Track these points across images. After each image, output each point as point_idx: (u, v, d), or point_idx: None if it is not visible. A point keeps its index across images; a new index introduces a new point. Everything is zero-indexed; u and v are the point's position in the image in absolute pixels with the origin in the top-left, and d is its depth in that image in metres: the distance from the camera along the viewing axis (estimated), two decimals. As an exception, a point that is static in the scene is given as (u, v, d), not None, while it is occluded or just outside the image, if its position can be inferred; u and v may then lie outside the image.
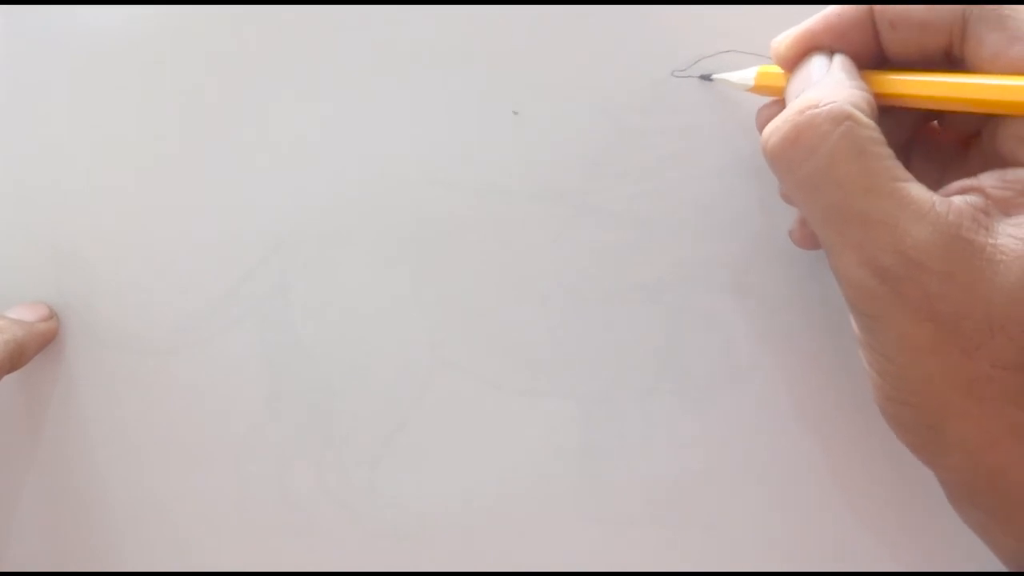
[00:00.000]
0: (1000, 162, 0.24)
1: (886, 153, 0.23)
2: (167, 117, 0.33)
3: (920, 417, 0.24)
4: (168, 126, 0.33)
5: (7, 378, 0.32)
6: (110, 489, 0.35)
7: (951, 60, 0.25)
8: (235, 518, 0.34)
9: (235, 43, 0.33)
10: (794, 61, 0.26)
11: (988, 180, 0.23)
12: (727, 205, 0.31)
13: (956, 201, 0.22)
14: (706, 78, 0.30)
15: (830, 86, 0.24)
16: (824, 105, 0.23)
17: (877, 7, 0.25)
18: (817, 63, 0.25)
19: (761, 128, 0.28)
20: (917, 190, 0.23)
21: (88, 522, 0.35)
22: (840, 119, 0.23)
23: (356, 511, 0.33)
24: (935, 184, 0.24)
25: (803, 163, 0.23)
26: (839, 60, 0.25)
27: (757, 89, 0.28)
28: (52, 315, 0.34)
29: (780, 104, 0.27)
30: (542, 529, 0.33)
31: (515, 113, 0.30)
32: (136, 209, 0.34)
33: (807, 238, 0.29)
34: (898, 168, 0.23)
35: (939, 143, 0.27)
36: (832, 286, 0.31)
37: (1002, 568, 0.25)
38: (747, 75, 0.28)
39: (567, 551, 0.33)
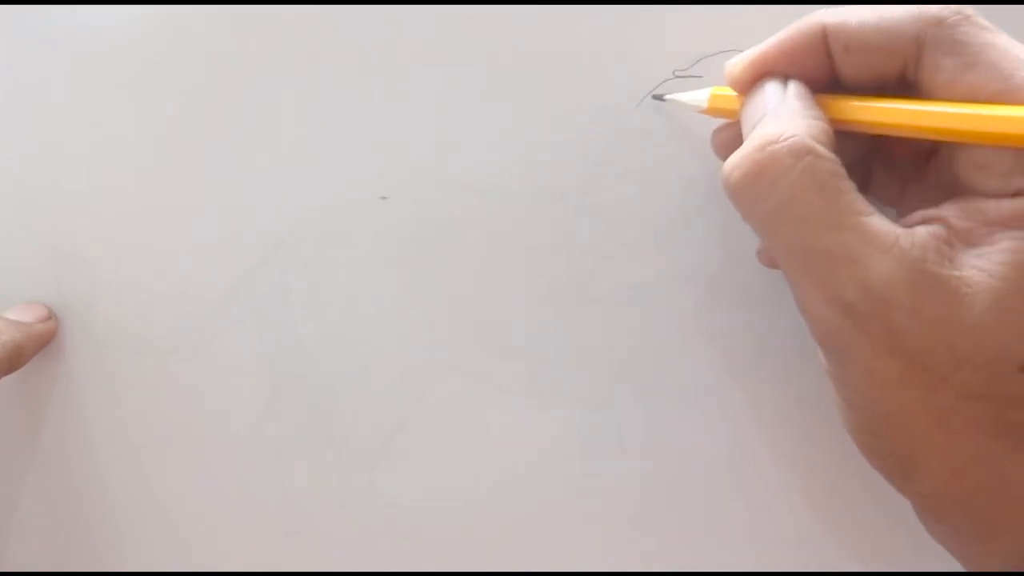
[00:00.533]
0: (958, 186, 0.24)
1: (847, 187, 0.23)
2: (167, 117, 0.33)
3: (889, 447, 0.24)
4: (168, 126, 0.33)
5: (6, 379, 0.32)
6: (110, 489, 0.35)
7: (905, 84, 0.24)
8: (235, 518, 0.34)
9: (235, 43, 0.33)
10: (748, 85, 0.26)
11: (950, 211, 0.23)
12: (727, 205, 0.31)
13: (919, 233, 0.22)
14: (659, 98, 0.30)
15: (787, 117, 0.24)
16: (785, 140, 0.23)
17: (830, 31, 0.24)
18: (771, 90, 0.25)
19: (716, 150, 0.29)
20: (880, 224, 0.22)
21: (88, 522, 0.35)
22: (801, 154, 0.22)
23: (356, 511, 0.33)
24: (897, 196, 0.24)
25: (765, 199, 0.23)
26: (793, 88, 0.25)
27: (711, 111, 0.28)
28: (50, 316, 0.34)
29: (734, 127, 0.27)
30: (542, 529, 0.33)
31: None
32: (136, 209, 0.34)
33: (773, 260, 0.29)
34: (860, 202, 0.23)
35: (901, 154, 0.27)
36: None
37: None
38: (700, 96, 0.28)
39: (567, 551, 0.33)
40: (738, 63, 0.26)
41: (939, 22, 0.23)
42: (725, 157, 0.25)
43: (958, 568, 0.31)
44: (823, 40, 0.25)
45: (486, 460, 0.33)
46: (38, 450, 0.35)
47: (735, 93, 0.27)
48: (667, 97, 0.30)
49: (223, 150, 0.33)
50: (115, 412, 0.34)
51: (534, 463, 0.33)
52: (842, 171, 0.23)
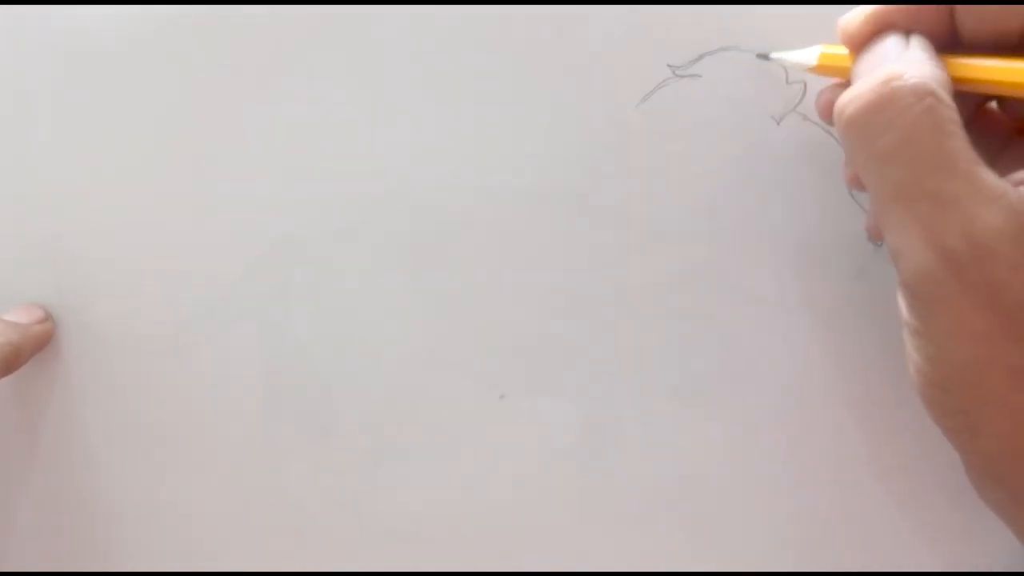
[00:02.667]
0: None
1: (963, 135, 0.22)
2: (166, 116, 0.33)
3: (962, 403, 0.24)
4: (167, 125, 0.33)
5: (3, 381, 0.32)
6: (109, 489, 0.35)
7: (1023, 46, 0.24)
8: (234, 518, 0.34)
9: (236, 42, 0.33)
10: (864, 40, 0.26)
11: None
12: (727, 205, 0.31)
13: None
14: (763, 57, 0.30)
15: (912, 61, 0.24)
16: (909, 78, 0.23)
17: None
18: (893, 42, 0.25)
19: (821, 111, 0.28)
20: (990, 176, 0.22)
21: (88, 522, 0.35)
22: (924, 95, 0.22)
23: (356, 511, 0.33)
24: (991, 165, 0.24)
25: (881, 134, 0.23)
26: (917, 40, 0.25)
27: (819, 69, 0.27)
28: (47, 317, 0.34)
29: (844, 86, 0.26)
30: (542, 529, 0.33)
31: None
32: (135, 209, 0.33)
33: (879, 232, 0.28)
34: (973, 151, 0.22)
35: (995, 127, 0.27)
36: (832, 287, 0.31)
37: (1015, 554, 0.25)
38: (809, 55, 0.28)
39: (567, 551, 0.33)
40: (855, 17, 0.26)
41: None
42: (830, 119, 0.25)
43: (958, 568, 0.31)
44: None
45: (486, 460, 0.33)
46: (37, 450, 0.35)
47: (846, 51, 0.26)
48: (773, 55, 0.29)
49: (222, 150, 0.33)
50: (114, 412, 0.34)
51: (534, 463, 0.33)
52: (959, 119, 0.23)
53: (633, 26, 0.31)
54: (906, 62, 0.24)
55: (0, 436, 0.35)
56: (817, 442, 0.31)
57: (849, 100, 0.24)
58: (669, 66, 0.31)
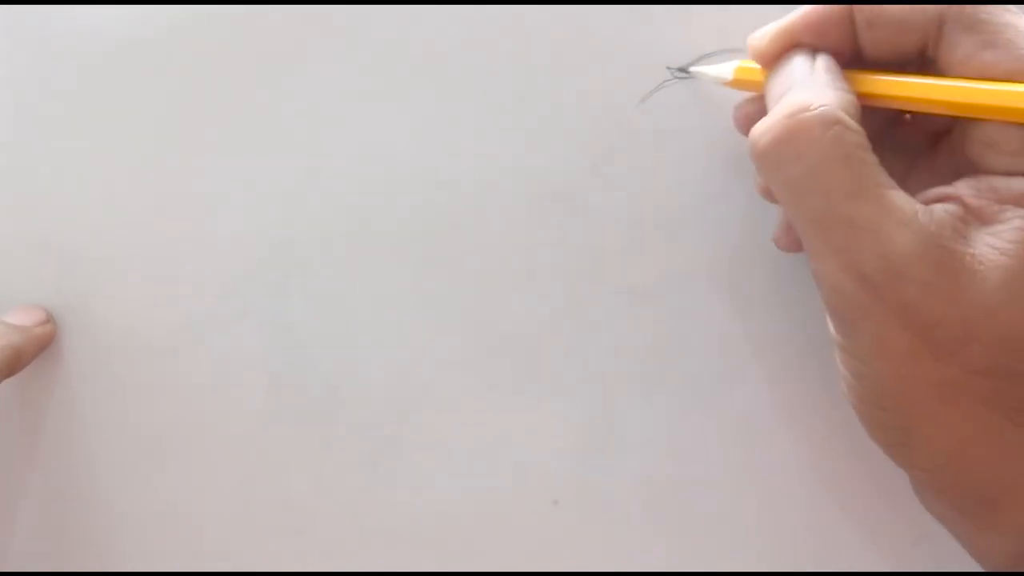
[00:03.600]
0: (968, 164, 0.24)
1: (872, 159, 0.23)
2: (166, 117, 0.33)
3: (893, 420, 0.24)
4: (167, 126, 0.33)
5: (4, 383, 0.32)
6: (110, 489, 0.35)
7: (924, 62, 0.25)
8: (234, 518, 0.34)
9: (236, 44, 0.33)
10: (773, 58, 0.26)
11: (964, 189, 0.23)
12: (727, 205, 0.31)
13: (937, 210, 0.23)
14: (683, 71, 0.30)
15: (817, 88, 0.24)
16: (815, 108, 0.23)
17: (856, 5, 0.25)
18: (799, 62, 0.25)
19: (738, 124, 0.29)
20: (901, 198, 0.23)
21: (88, 522, 0.35)
22: (830, 123, 0.23)
23: (356, 511, 0.33)
24: (903, 177, 0.24)
25: (791, 166, 0.24)
26: (823, 61, 0.25)
27: (735, 83, 0.28)
28: (49, 319, 0.34)
29: (758, 100, 0.27)
30: (542, 529, 0.33)
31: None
32: (136, 209, 0.34)
33: (793, 243, 0.29)
34: (883, 175, 0.23)
35: (909, 136, 0.27)
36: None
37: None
38: (725, 69, 0.28)
39: (567, 551, 0.33)
40: (763, 36, 0.26)
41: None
42: (747, 131, 0.25)
43: (958, 568, 0.31)
44: (848, 15, 0.25)
45: (486, 460, 0.33)
46: (37, 450, 0.35)
47: (760, 67, 0.27)
48: (692, 69, 0.30)
49: (223, 150, 0.33)
50: (114, 412, 0.34)
51: (534, 463, 0.33)
52: (867, 143, 0.23)
53: (633, 26, 0.31)
54: (812, 89, 0.24)
55: (2, 434, 0.35)
56: (817, 442, 0.31)
57: (760, 133, 0.24)
58: (668, 68, 0.31)
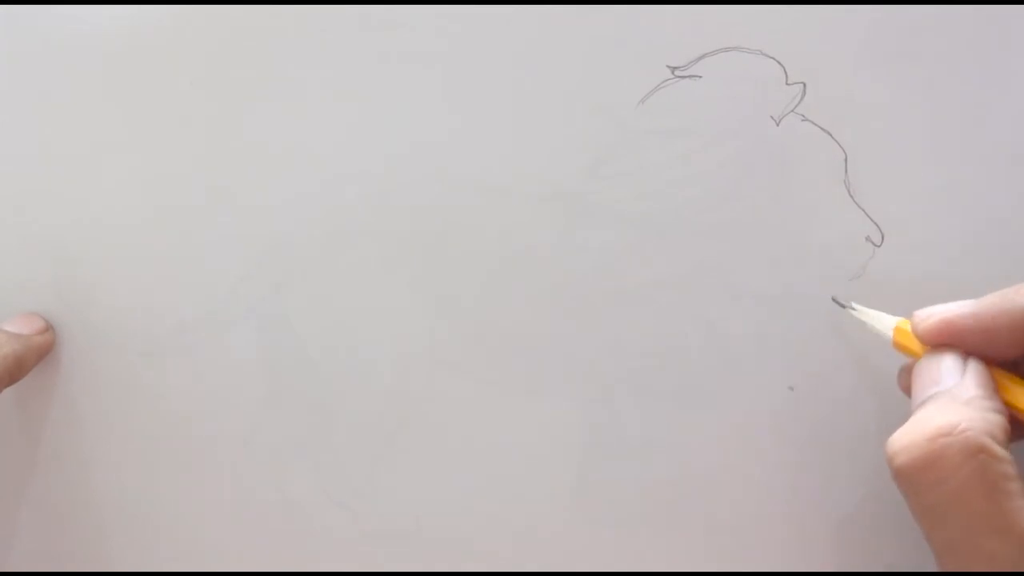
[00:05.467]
0: None
1: (1018, 490, 0.22)
2: (166, 118, 0.33)
3: None
4: (166, 127, 0.33)
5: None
6: (110, 490, 0.35)
7: None
8: (235, 518, 0.34)
9: (236, 45, 0.33)
10: (930, 343, 0.25)
11: None
12: (727, 205, 0.31)
13: None
14: (841, 304, 0.30)
15: (963, 405, 0.23)
16: (959, 433, 0.22)
17: None
18: (949, 366, 0.25)
19: (903, 389, 0.28)
20: None
21: (88, 522, 0.35)
22: (974, 452, 0.22)
23: (356, 511, 0.33)
24: None
25: (930, 492, 0.23)
26: (974, 372, 0.24)
27: (895, 344, 0.27)
28: (48, 327, 0.34)
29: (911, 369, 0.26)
30: (542, 529, 0.33)
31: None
32: (136, 210, 0.34)
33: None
34: None
35: None
36: (831, 287, 0.31)
37: None
38: (887, 325, 0.28)
39: (567, 551, 0.33)
40: (927, 319, 0.25)
41: None
42: (909, 394, 0.25)
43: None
44: None
45: (486, 460, 0.33)
46: (37, 450, 0.35)
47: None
48: (856, 309, 0.29)
49: (223, 150, 0.33)
50: (114, 412, 0.34)
51: (534, 463, 0.33)
52: (1014, 472, 0.22)
53: (633, 26, 0.31)
54: (956, 406, 0.23)
55: (3, 435, 0.35)
56: (816, 442, 0.31)
57: (899, 450, 0.23)
58: (669, 67, 0.31)
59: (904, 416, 0.30)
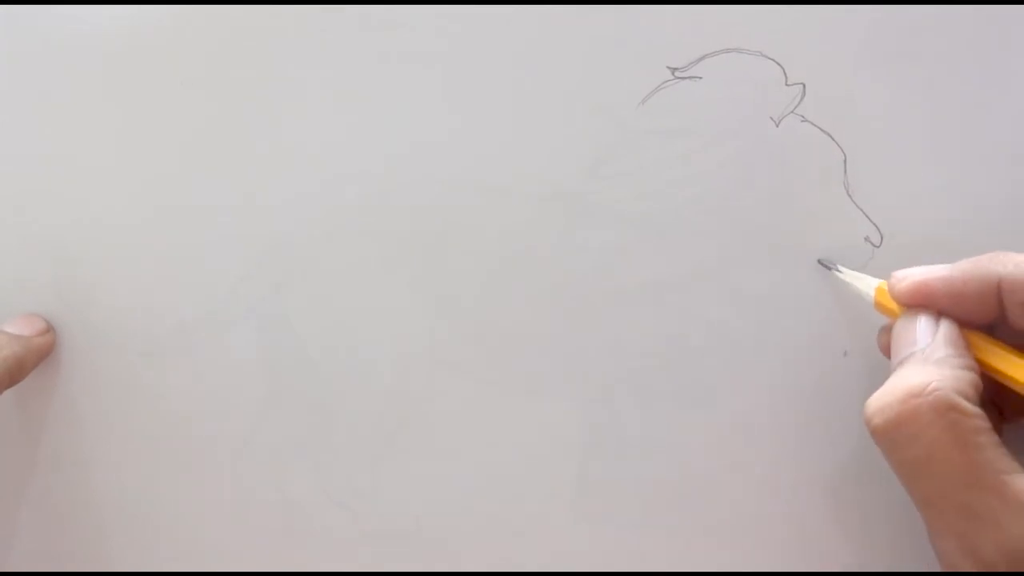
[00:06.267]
0: None
1: (991, 441, 0.23)
2: (166, 118, 0.33)
3: None
4: (168, 126, 0.33)
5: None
6: (110, 490, 0.35)
7: None
8: (235, 518, 0.34)
9: (236, 45, 0.33)
10: (905, 304, 0.26)
11: None
12: (727, 205, 0.31)
13: None
14: (826, 266, 0.30)
15: (934, 364, 0.24)
16: (928, 394, 0.23)
17: (1007, 287, 0.24)
18: (923, 327, 0.25)
19: (882, 350, 0.29)
20: (1021, 484, 0.22)
21: (88, 522, 0.35)
22: (943, 410, 0.23)
23: (356, 511, 0.33)
24: None
25: (905, 449, 0.24)
26: (944, 331, 0.25)
27: (876, 305, 0.28)
28: (48, 328, 0.34)
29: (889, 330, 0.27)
30: (542, 529, 0.33)
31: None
32: (136, 210, 0.33)
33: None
34: (1003, 460, 0.23)
35: None
36: (831, 287, 0.31)
37: None
38: (868, 286, 0.29)
39: (567, 551, 0.33)
40: (902, 282, 0.27)
41: None
42: (887, 354, 0.26)
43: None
44: (996, 291, 0.25)
45: (486, 460, 0.33)
46: (37, 450, 0.35)
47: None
48: (841, 271, 0.30)
49: (223, 150, 0.33)
50: (114, 412, 0.34)
51: (534, 463, 0.33)
52: (986, 425, 0.23)
53: (633, 26, 0.31)
54: (927, 366, 0.24)
55: (3, 435, 0.35)
56: (816, 442, 0.32)
57: (874, 412, 0.24)
58: (669, 68, 0.31)
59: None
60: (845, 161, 0.30)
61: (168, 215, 0.33)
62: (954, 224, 0.30)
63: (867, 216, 0.31)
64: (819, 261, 0.31)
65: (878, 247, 0.31)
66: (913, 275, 0.26)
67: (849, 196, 0.31)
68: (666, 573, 0.32)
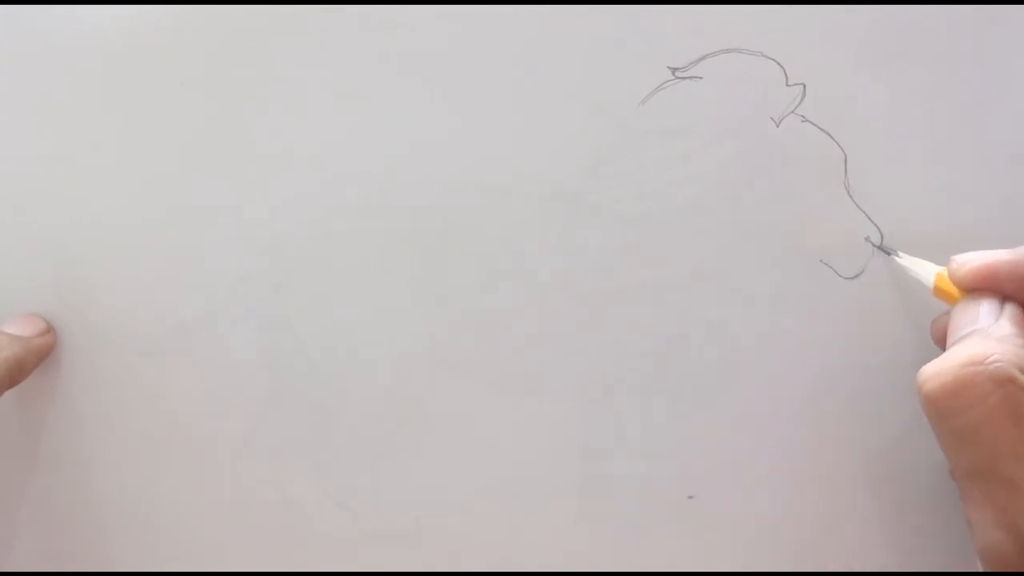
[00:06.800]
0: None
1: None
2: (166, 118, 0.33)
3: None
4: (167, 127, 0.33)
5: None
6: (110, 490, 0.35)
7: None
8: (235, 518, 0.34)
9: (236, 46, 0.33)
10: (967, 287, 0.26)
11: None
12: (727, 205, 0.31)
13: None
14: (885, 251, 0.30)
15: (997, 339, 0.24)
16: (989, 363, 0.23)
17: None
18: (987, 308, 0.25)
19: (934, 338, 0.29)
20: None
21: (88, 522, 0.35)
22: (1003, 381, 0.23)
23: (356, 511, 0.33)
24: None
25: (957, 417, 0.23)
26: (1010, 311, 0.25)
27: (936, 291, 0.28)
28: (49, 329, 0.33)
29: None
30: (542, 529, 0.33)
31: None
32: (136, 210, 0.33)
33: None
34: None
35: None
36: (831, 287, 0.31)
37: None
38: (928, 273, 0.28)
39: (566, 551, 0.33)
40: (965, 266, 0.26)
41: None
42: (942, 347, 0.25)
43: (959, 568, 0.31)
44: None
45: (486, 460, 0.33)
46: (38, 450, 0.35)
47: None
48: (901, 256, 0.30)
49: (223, 149, 0.33)
50: (114, 412, 0.34)
51: (534, 463, 0.33)
52: None
53: (633, 26, 0.31)
54: (991, 340, 0.24)
55: (3, 435, 0.35)
56: (816, 442, 0.32)
57: (929, 376, 0.24)
58: (670, 68, 0.31)
59: (908, 414, 0.30)
60: (845, 161, 0.30)
61: (168, 215, 0.33)
62: (954, 224, 0.30)
63: (867, 216, 0.31)
64: (879, 246, 0.30)
65: (878, 246, 0.31)
66: (975, 259, 0.26)
67: (849, 196, 0.31)
68: (666, 573, 0.32)
